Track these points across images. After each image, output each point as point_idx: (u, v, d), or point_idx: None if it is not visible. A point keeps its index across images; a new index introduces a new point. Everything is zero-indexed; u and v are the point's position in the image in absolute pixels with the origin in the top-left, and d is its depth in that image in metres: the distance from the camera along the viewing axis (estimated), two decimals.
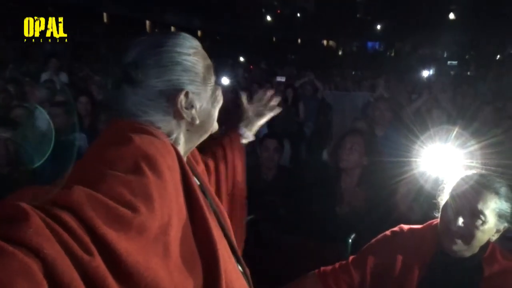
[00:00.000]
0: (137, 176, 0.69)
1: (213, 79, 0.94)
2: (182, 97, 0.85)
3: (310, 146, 4.91)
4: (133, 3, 16.53)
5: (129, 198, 0.66)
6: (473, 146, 1.65)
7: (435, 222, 1.43)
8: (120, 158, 0.72)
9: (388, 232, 1.53)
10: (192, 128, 0.90)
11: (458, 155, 1.55)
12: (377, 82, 5.50)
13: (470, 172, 1.36)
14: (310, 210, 2.36)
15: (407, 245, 1.44)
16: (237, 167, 1.35)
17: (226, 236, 0.94)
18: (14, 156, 2.30)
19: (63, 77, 6.50)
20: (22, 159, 2.23)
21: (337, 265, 1.53)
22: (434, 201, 1.44)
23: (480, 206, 1.27)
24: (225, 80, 6.03)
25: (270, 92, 1.45)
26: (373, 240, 1.54)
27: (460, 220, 1.29)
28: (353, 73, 12.73)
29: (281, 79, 8.01)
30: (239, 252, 1.00)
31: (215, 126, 0.98)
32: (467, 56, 20.42)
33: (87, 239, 0.58)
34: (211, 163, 1.29)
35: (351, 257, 1.55)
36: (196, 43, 0.92)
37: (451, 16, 20.65)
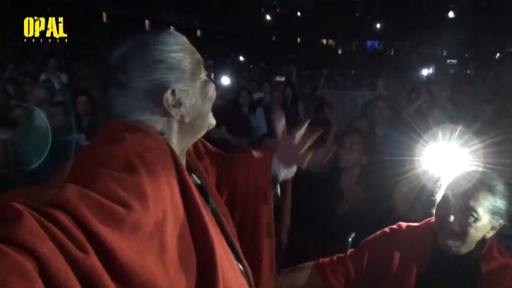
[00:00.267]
0: (130, 174, 0.69)
1: (203, 74, 0.91)
2: (168, 95, 0.83)
3: None
4: (132, 3, 16.53)
5: (122, 195, 0.65)
6: (476, 145, 1.65)
7: (432, 220, 1.44)
8: (112, 156, 0.71)
9: (387, 229, 1.54)
10: (184, 126, 0.88)
11: (460, 154, 1.55)
12: (377, 81, 5.51)
13: (466, 170, 1.37)
14: (310, 210, 2.36)
15: (405, 242, 1.45)
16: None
17: (226, 234, 0.94)
18: (13, 156, 2.30)
19: (63, 77, 6.50)
20: (21, 160, 2.22)
21: (335, 257, 1.54)
22: (433, 198, 1.45)
23: (472, 203, 1.28)
24: (225, 80, 6.01)
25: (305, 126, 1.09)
26: (371, 236, 1.55)
27: (452, 217, 1.30)
28: (353, 72, 12.73)
29: (280, 79, 7.99)
30: (240, 250, 0.98)
31: (211, 122, 0.96)
32: (466, 55, 20.43)
33: (81, 237, 0.58)
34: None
35: (349, 251, 1.56)
36: (181, 39, 0.89)
37: (451, 14, 20.66)
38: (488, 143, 1.75)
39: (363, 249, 1.52)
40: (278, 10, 22.98)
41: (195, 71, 0.89)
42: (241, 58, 15.77)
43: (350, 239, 2.15)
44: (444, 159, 1.59)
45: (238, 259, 0.96)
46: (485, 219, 1.29)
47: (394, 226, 1.53)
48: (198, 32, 19.48)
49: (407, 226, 1.51)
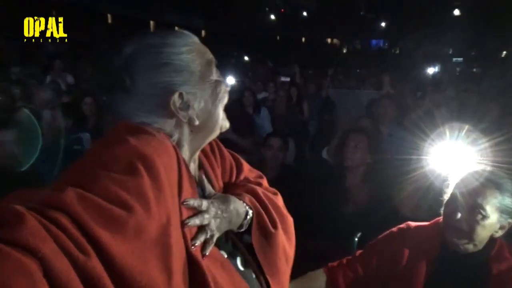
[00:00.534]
0: (132, 176, 0.68)
1: (214, 75, 0.89)
2: (175, 99, 0.81)
3: (314, 145, 4.90)
4: (136, 4, 16.60)
5: (123, 198, 0.64)
6: (483, 143, 1.64)
7: (440, 219, 1.43)
8: (114, 158, 0.70)
9: (394, 229, 1.53)
10: (195, 128, 0.86)
11: (468, 153, 1.54)
12: (383, 78, 5.48)
13: (475, 168, 1.36)
14: (315, 209, 2.35)
15: (414, 241, 1.45)
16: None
17: (226, 234, 0.91)
18: (13, 158, 2.30)
19: (69, 78, 6.54)
20: (21, 161, 2.23)
21: (344, 260, 1.54)
22: (441, 198, 1.44)
23: (480, 201, 1.27)
24: (230, 80, 6.01)
25: None
26: (379, 236, 1.54)
27: (459, 214, 1.29)
28: (358, 71, 12.68)
29: (285, 79, 7.98)
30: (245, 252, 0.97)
31: (224, 125, 0.92)
32: (472, 53, 20.27)
33: (82, 239, 0.58)
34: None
35: (358, 252, 1.56)
36: (191, 40, 0.87)
37: (456, 12, 20.52)
38: (495, 141, 1.74)
39: (371, 249, 1.51)
40: (282, 10, 22.96)
41: (205, 72, 0.86)
42: (246, 58, 15.79)
43: (356, 239, 2.14)
44: (451, 157, 1.58)
45: (243, 262, 0.94)
46: (493, 217, 1.28)
47: (402, 226, 1.52)
48: (203, 33, 19.51)
49: (416, 226, 1.50)
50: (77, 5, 14.26)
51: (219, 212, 0.85)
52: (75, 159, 0.73)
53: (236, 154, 1.10)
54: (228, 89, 0.93)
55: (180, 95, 0.82)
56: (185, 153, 0.87)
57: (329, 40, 26.23)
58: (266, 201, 0.99)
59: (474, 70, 12.95)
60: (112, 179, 0.66)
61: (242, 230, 0.94)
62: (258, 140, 3.90)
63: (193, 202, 0.79)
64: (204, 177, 0.94)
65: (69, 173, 0.69)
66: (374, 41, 26.30)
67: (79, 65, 7.76)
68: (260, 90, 6.68)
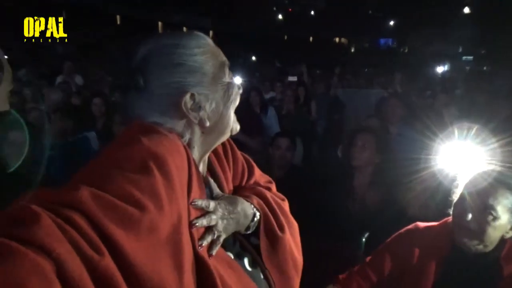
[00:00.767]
0: (145, 176, 0.69)
1: (227, 77, 0.89)
2: (187, 99, 0.82)
3: (322, 144, 4.89)
4: (145, 5, 16.71)
5: (137, 197, 0.65)
6: (493, 143, 1.62)
7: (449, 219, 1.42)
8: (128, 158, 0.71)
9: (403, 231, 1.52)
10: (206, 130, 0.86)
11: (477, 153, 1.53)
12: (395, 75, 5.44)
13: (484, 168, 1.35)
14: (323, 209, 2.35)
15: (423, 242, 1.44)
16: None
17: (233, 236, 0.92)
18: (26, 159, 2.32)
19: (78, 79, 6.61)
20: (31, 162, 2.25)
21: (355, 269, 1.53)
22: (450, 198, 1.43)
23: (491, 201, 1.26)
24: (237, 80, 6.04)
25: None
26: (388, 240, 1.53)
27: (470, 215, 1.28)
28: (366, 70, 12.62)
29: (293, 78, 7.97)
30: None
31: (234, 127, 0.93)
32: (482, 51, 20.03)
33: (96, 238, 0.58)
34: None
35: (368, 258, 1.55)
36: (204, 41, 0.87)
37: (466, 10, 20.30)
38: (505, 141, 1.71)
39: (381, 254, 1.51)
40: (290, 9, 22.94)
41: (217, 74, 0.86)
42: (253, 58, 15.81)
43: (364, 238, 2.13)
44: (460, 157, 1.56)
45: (251, 262, 0.94)
46: (504, 218, 1.26)
47: (411, 227, 1.51)
48: (210, 33, 19.58)
49: (425, 227, 1.49)
50: (88, 6, 14.39)
51: (226, 213, 0.85)
52: (82, 158, 0.75)
53: (249, 158, 1.10)
54: (241, 91, 0.93)
55: (192, 96, 0.83)
56: (195, 153, 0.88)
57: (337, 39, 26.14)
58: (274, 205, 0.99)
59: (484, 68, 12.80)
60: (125, 178, 0.67)
61: (249, 232, 0.94)
62: (265, 140, 3.90)
63: (201, 203, 0.80)
64: (210, 178, 0.94)
65: (83, 173, 0.70)
66: (382, 40, 26.14)
67: (88, 66, 7.83)
68: (267, 90, 6.68)
